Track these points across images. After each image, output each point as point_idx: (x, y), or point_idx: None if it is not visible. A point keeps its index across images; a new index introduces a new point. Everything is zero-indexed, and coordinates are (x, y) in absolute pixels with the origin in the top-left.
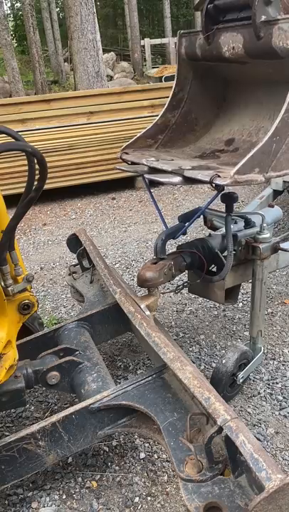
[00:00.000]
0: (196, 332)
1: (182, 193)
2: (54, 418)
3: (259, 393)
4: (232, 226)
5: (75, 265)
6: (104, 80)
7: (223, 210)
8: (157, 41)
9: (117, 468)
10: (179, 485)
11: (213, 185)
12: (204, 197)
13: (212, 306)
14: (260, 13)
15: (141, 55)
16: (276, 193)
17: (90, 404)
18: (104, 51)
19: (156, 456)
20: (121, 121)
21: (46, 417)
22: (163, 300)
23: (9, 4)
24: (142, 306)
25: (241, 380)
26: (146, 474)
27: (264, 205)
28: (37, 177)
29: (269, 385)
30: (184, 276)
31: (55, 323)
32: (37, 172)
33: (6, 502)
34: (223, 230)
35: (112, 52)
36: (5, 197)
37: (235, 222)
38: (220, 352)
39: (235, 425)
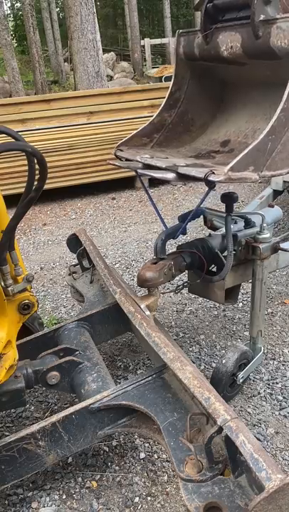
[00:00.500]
0: (196, 332)
1: (182, 193)
2: (54, 418)
3: (259, 393)
4: (232, 226)
5: (75, 265)
6: (104, 80)
7: (223, 210)
8: (157, 41)
9: (117, 468)
10: (179, 485)
11: (207, 182)
12: None
13: (212, 306)
14: (259, 13)
15: (141, 55)
16: (276, 193)
17: (90, 404)
18: (104, 51)
19: (156, 456)
20: (121, 121)
21: (46, 417)
22: (163, 300)
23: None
24: (142, 306)
25: (241, 380)
26: (146, 474)
27: (264, 205)
28: (37, 177)
29: (269, 385)
30: (184, 276)
31: (55, 323)
32: (37, 172)
33: (6, 502)
34: (223, 230)
35: (112, 52)
36: (5, 197)
37: (235, 222)
38: (220, 352)
39: (235, 425)
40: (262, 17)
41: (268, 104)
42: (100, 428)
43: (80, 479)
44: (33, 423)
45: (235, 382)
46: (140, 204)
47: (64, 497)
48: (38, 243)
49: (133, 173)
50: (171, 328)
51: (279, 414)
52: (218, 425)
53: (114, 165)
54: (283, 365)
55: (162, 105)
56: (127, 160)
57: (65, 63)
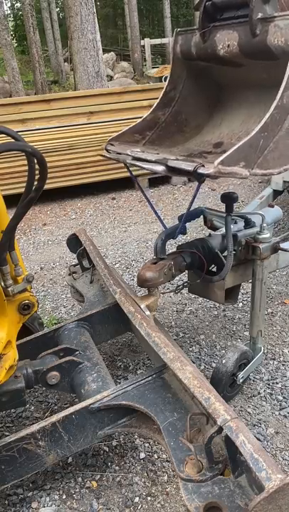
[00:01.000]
0: (196, 332)
1: (182, 193)
2: (54, 418)
3: (259, 393)
4: (232, 226)
5: (75, 265)
6: (104, 80)
7: (223, 210)
8: (157, 41)
9: (117, 468)
10: (179, 485)
11: (196, 175)
12: (204, 197)
13: (212, 306)
14: (258, 11)
15: (141, 55)
16: (276, 193)
17: (90, 404)
18: (104, 51)
19: (156, 456)
20: (121, 121)
21: (46, 417)
22: (163, 300)
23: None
24: (142, 306)
25: (241, 380)
26: (146, 474)
27: (264, 205)
28: (37, 177)
29: (269, 385)
30: (184, 276)
31: (55, 323)
32: (37, 172)
33: (6, 502)
34: (223, 230)
35: (112, 52)
36: (5, 197)
37: (235, 222)
38: (220, 352)
39: (235, 425)
40: (260, 15)
41: (263, 106)
42: (100, 428)
43: (80, 479)
44: (33, 423)
45: (235, 382)
46: (140, 204)
47: (64, 497)
48: (38, 243)
49: (134, 173)
50: (171, 328)
51: (279, 414)
52: (218, 425)
53: (103, 156)
54: (283, 365)
55: (156, 103)
56: (117, 154)
57: (65, 63)
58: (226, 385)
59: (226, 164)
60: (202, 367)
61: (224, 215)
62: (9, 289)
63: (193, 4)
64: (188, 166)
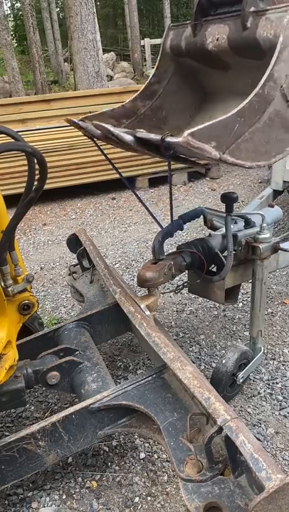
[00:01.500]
0: (196, 332)
1: (182, 193)
2: (54, 418)
3: (259, 393)
4: (232, 226)
5: (75, 265)
6: (104, 80)
7: (223, 210)
8: (157, 41)
9: (117, 468)
10: (179, 485)
11: (163, 145)
12: (204, 197)
13: (212, 306)
14: (251, 4)
15: (141, 55)
16: (276, 193)
17: (90, 404)
18: (104, 51)
19: (156, 456)
20: None
21: (46, 417)
22: (163, 300)
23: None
24: (142, 306)
25: (241, 380)
26: (146, 474)
27: (264, 205)
28: (37, 177)
29: (269, 385)
30: (184, 276)
31: (55, 323)
32: (37, 172)
33: (6, 502)
34: (223, 230)
35: (112, 52)
36: (5, 197)
37: (235, 222)
38: (220, 352)
39: (235, 425)
40: (252, 8)
41: None
42: (100, 428)
43: (80, 479)
44: (33, 423)
45: (235, 382)
46: (140, 204)
47: (64, 497)
48: (38, 243)
49: (133, 173)
50: (171, 328)
51: (279, 414)
52: (218, 425)
53: (73, 123)
54: (283, 365)
55: (138, 93)
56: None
57: (65, 63)
58: (226, 385)
59: (197, 138)
60: (202, 367)
61: (224, 215)
62: (9, 289)
63: (193, 4)
64: (156, 137)
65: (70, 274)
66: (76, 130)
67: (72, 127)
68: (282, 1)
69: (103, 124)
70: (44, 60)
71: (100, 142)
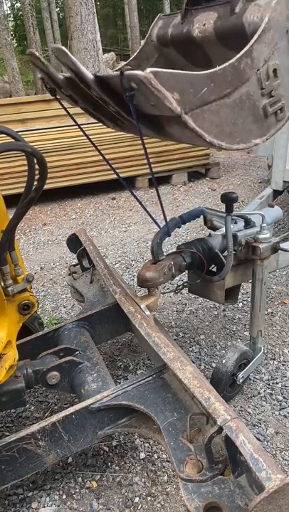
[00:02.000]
0: (196, 332)
1: (182, 193)
2: (54, 418)
3: (259, 393)
4: (232, 226)
5: (75, 265)
6: None
7: (223, 210)
8: None
9: (117, 468)
10: (179, 485)
11: (122, 80)
12: (204, 197)
13: (212, 306)
14: None
15: None
16: (276, 193)
17: (90, 404)
18: (104, 51)
19: (156, 456)
20: None
21: (46, 417)
22: (163, 300)
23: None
24: (142, 306)
25: (241, 380)
26: (146, 474)
27: (264, 205)
28: (37, 177)
29: (269, 385)
30: (184, 276)
31: (55, 323)
32: (37, 172)
33: (6, 502)
34: (223, 230)
35: (112, 52)
36: (5, 197)
37: (235, 222)
38: (220, 352)
39: (235, 425)
40: None
41: None
42: (100, 428)
43: (80, 479)
44: (33, 423)
45: (235, 382)
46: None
47: (64, 497)
48: (38, 243)
49: (133, 174)
50: (171, 328)
51: (279, 414)
52: (218, 425)
53: (32, 56)
54: (283, 365)
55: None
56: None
57: None
58: (226, 385)
59: (160, 80)
60: (202, 367)
61: (224, 215)
62: (9, 288)
63: None
64: (115, 73)
65: (70, 274)
66: (76, 130)
67: (71, 127)
68: None
69: (67, 52)
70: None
71: (98, 143)
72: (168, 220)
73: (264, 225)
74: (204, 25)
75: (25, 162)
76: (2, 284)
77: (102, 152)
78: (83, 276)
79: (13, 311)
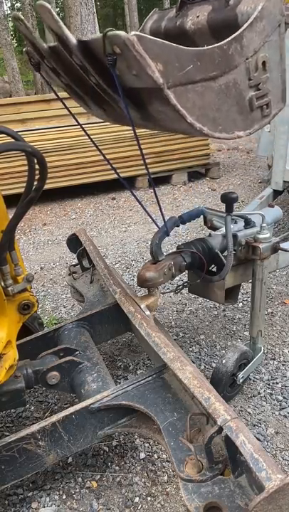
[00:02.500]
0: (196, 332)
1: (182, 193)
2: (54, 418)
3: (259, 393)
4: (232, 226)
5: (75, 265)
6: None
7: (223, 210)
8: None
9: (117, 468)
10: (179, 485)
11: (106, 46)
12: (204, 197)
13: (212, 306)
14: None
15: None
16: (276, 193)
17: (90, 404)
18: None
19: (156, 456)
20: None
21: (46, 417)
22: (163, 300)
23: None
24: (142, 306)
25: (241, 380)
26: (146, 474)
27: (264, 205)
28: (37, 177)
29: (269, 385)
30: (184, 276)
31: (55, 323)
32: (37, 172)
33: (6, 502)
34: (223, 230)
35: None
36: (5, 197)
37: (235, 222)
38: (220, 352)
39: (235, 425)
40: None
41: None
42: (100, 428)
43: (80, 479)
44: (33, 423)
45: (235, 382)
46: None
47: (64, 497)
48: (38, 243)
49: (133, 173)
50: (171, 328)
51: (279, 414)
52: (218, 425)
53: (17, 20)
54: (283, 365)
55: None
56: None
57: None
58: (226, 385)
59: (143, 46)
60: (202, 367)
61: (224, 215)
62: (9, 288)
63: None
64: (99, 35)
65: (70, 274)
66: (76, 130)
67: (71, 127)
68: None
69: (52, 11)
70: None
71: (99, 143)
72: (166, 220)
73: (264, 225)
74: (198, 17)
75: (25, 162)
76: (2, 283)
77: (103, 152)
78: (83, 276)
79: (13, 310)
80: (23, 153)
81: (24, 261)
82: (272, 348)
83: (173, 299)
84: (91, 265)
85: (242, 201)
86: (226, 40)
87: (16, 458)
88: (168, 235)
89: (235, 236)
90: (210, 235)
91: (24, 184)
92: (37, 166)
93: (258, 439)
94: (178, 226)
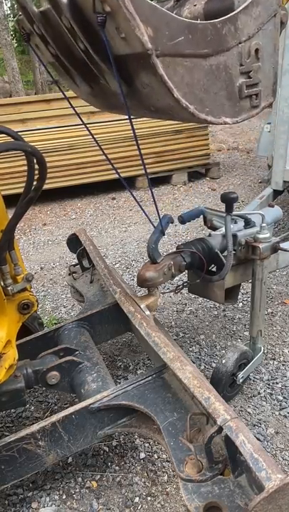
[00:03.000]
0: (196, 332)
1: (182, 193)
2: (54, 418)
3: (259, 393)
4: (232, 226)
5: (75, 265)
6: None
7: (223, 210)
8: None
9: (117, 468)
10: (179, 485)
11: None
12: (204, 197)
13: (212, 306)
14: None
15: None
16: (276, 193)
17: (90, 404)
18: None
19: (156, 456)
20: (121, 121)
21: (46, 417)
22: (163, 300)
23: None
24: (142, 306)
25: (241, 380)
26: (146, 474)
27: (264, 205)
28: (36, 177)
29: (269, 385)
30: (184, 276)
31: (55, 323)
32: (36, 172)
33: (6, 502)
34: (223, 229)
35: None
36: (5, 197)
37: (235, 222)
38: (220, 352)
39: (235, 425)
40: None
41: None
42: (100, 428)
43: (80, 479)
44: (33, 423)
45: (235, 382)
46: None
47: (64, 497)
48: (38, 243)
49: (133, 173)
50: (171, 328)
51: (279, 414)
52: (218, 425)
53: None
54: (283, 365)
55: None
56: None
57: None
58: (226, 385)
59: (134, 5)
60: (202, 367)
61: (224, 214)
62: (9, 288)
63: None
64: None
65: (70, 274)
66: (76, 130)
67: (71, 127)
68: None
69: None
70: None
71: (101, 142)
72: (160, 219)
73: (264, 224)
74: (195, 6)
75: (25, 162)
76: (2, 283)
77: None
78: (83, 276)
79: (13, 310)
80: (23, 153)
81: (24, 261)
82: (272, 348)
83: (173, 299)
84: (91, 265)
85: (242, 201)
86: (219, 19)
87: (16, 458)
88: (164, 234)
89: (235, 236)
90: (210, 234)
91: (24, 184)
92: (37, 166)
93: (258, 439)
94: (172, 223)
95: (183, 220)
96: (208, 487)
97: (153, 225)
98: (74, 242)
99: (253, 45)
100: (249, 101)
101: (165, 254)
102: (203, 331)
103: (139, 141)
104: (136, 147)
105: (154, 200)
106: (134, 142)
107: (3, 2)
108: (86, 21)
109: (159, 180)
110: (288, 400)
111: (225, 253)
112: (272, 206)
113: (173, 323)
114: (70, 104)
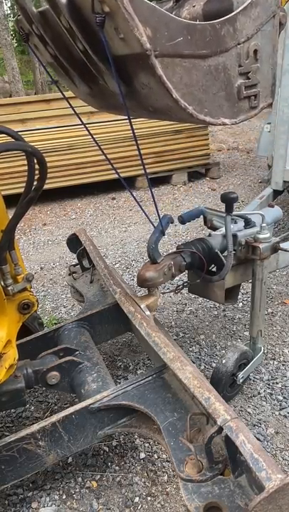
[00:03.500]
0: (196, 332)
1: (182, 192)
2: (54, 418)
3: (259, 393)
4: (232, 226)
5: (75, 265)
6: None
7: (223, 210)
8: None
9: (117, 468)
10: (179, 485)
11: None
12: (204, 197)
13: (212, 306)
14: None
15: None
16: (276, 193)
17: (90, 404)
18: None
19: (156, 456)
20: (120, 121)
21: (46, 417)
22: (163, 300)
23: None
24: (142, 306)
25: (241, 380)
26: (146, 474)
27: (264, 205)
28: (37, 177)
29: (269, 385)
30: (184, 276)
31: (55, 323)
32: (37, 172)
33: (6, 502)
34: (223, 229)
35: None
36: (5, 197)
37: (235, 222)
38: (220, 352)
39: (235, 425)
40: None
41: None
42: (100, 428)
43: (80, 479)
44: (33, 423)
45: (235, 382)
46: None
47: (64, 497)
48: (38, 243)
49: (133, 173)
50: (171, 328)
51: (279, 414)
52: (218, 425)
53: None
54: (283, 365)
55: None
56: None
57: None
58: (226, 385)
59: (133, 6)
60: (202, 367)
61: (224, 215)
62: (9, 288)
63: None
64: None
65: (70, 274)
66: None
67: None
68: None
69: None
70: None
71: (101, 142)
72: (160, 219)
73: (264, 224)
74: (194, 6)
75: (25, 162)
76: (2, 283)
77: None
78: (83, 276)
79: (13, 310)
80: (23, 153)
81: (24, 261)
82: (272, 348)
83: (173, 299)
84: (91, 265)
85: (242, 201)
86: (218, 20)
87: (16, 458)
88: (164, 234)
89: (235, 236)
90: (210, 234)
91: (24, 184)
92: (37, 166)
93: (258, 439)
94: (172, 223)
95: (183, 220)
96: (208, 487)
97: (153, 225)
98: (74, 242)
99: (251, 46)
100: (248, 102)
101: (165, 254)
102: (203, 331)
103: (138, 141)
104: (135, 147)
105: (154, 200)
106: (134, 142)
107: (3, 2)
108: (85, 22)
109: (159, 180)
110: (288, 400)
111: (225, 253)
112: (272, 206)
113: (173, 323)
114: (70, 105)
